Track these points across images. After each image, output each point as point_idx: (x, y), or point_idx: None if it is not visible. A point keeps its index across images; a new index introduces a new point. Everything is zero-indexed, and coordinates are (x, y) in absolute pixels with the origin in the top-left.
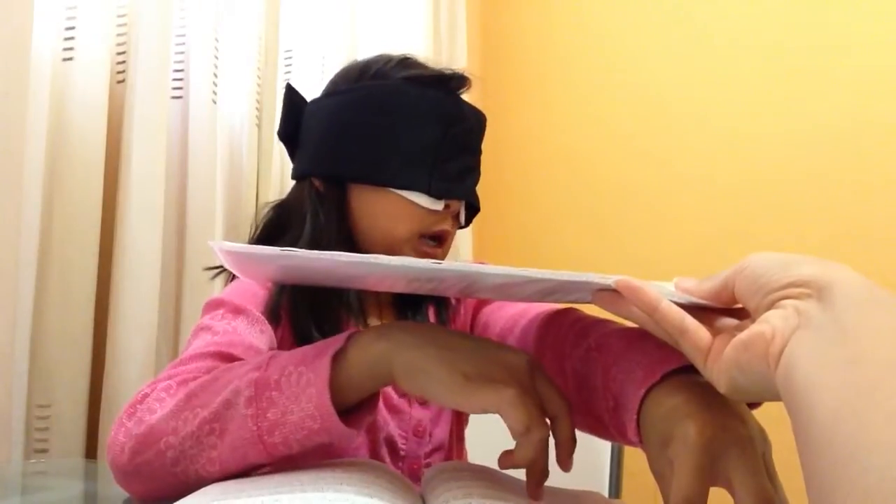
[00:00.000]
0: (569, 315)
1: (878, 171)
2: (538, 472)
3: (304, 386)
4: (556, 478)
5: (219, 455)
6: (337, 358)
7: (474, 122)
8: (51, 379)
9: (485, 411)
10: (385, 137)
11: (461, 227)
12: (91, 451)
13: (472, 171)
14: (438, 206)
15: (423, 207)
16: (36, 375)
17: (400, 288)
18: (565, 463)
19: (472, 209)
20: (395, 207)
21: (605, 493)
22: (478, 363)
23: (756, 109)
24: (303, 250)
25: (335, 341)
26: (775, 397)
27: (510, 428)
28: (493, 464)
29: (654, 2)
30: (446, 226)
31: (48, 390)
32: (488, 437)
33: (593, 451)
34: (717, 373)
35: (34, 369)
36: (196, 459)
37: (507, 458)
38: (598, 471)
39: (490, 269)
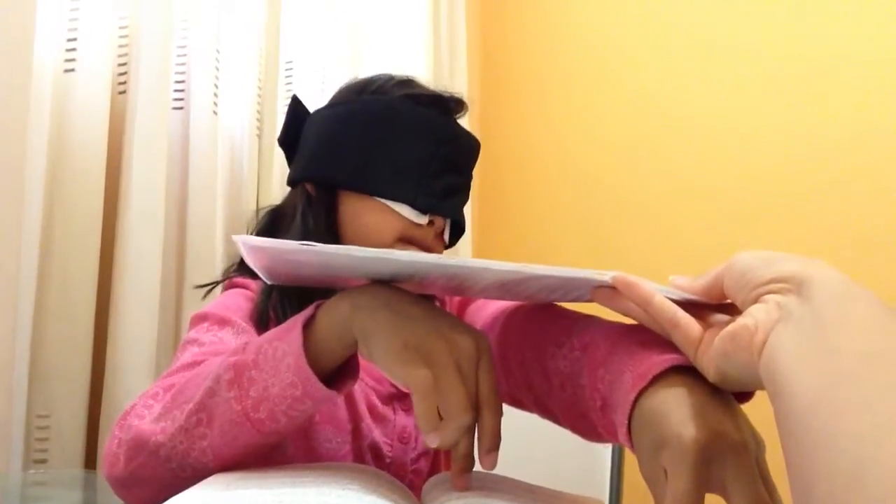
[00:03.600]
0: (550, 311)
1: (877, 177)
2: (461, 459)
3: (281, 357)
4: (557, 484)
5: (210, 443)
6: (308, 326)
7: (466, 145)
8: (50, 389)
9: (405, 386)
10: (377, 148)
11: (447, 247)
12: (90, 461)
13: (459, 191)
14: (423, 219)
15: (407, 219)
16: (36, 385)
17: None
18: (484, 457)
19: (458, 231)
20: (381, 216)
21: (606, 501)
22: (422, 335)
23: (753, 117)
24: (320, 244)
25: (305, 312)
26: (759, 386)
27: (416, 416)
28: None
29: (651, 15)
30: (429, 241)
31: (48, 400)
32: None
33: (593, 457)
34: (707, 362)
35: (34, 379)
36: (189, 452)
37: (429, 438)
38: (599, 478)
39: (495, 264)
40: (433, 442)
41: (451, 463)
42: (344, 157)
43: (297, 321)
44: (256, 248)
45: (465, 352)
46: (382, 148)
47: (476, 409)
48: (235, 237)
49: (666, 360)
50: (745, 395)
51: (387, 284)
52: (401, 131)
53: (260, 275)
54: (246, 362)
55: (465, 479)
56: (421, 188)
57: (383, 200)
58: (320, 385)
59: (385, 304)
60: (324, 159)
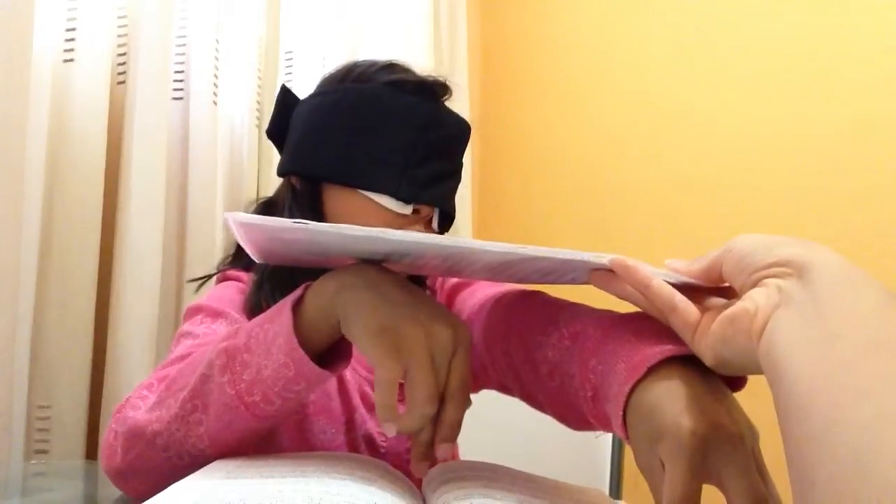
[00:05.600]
0: (535, 298)
1: (875, 172)
2: (420, 445)
3: (272, 339)
4: (558, 475)
5: (206, 429)
6: (297, 307)
7: (454, 130)
8: (51, 379)
9: (373, 368)
10: (358, 139)
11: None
12: (91, 451)
13: (447, 178)
14: (406, 210)
15: (390, 210)
16: (36, 376)
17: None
18: (439, 446)
19: (446, 217)
20: (364, 209)
21: (606, 491)
22: (401, 319)
23: (753, 112)
24: (313, 223)
25: (294, 293)
26: (757, 370)
27: (376, 405)
28: (486, 460)
29: (651, 9)
30: (417, 231)
31: (48, 391)
32: (486, 436)
33: (593, 448)
34: (704, 346)
35: (35, 370)
36: (185, 440)
37: (385, 427)
38: (599, 468)
39: (490, 245)
40: (390, 431)
41: (412, 448)
42: (326, 149)
43: (286, 303)
44: (248, 226)
45: (441, 342)
46: (364, 138)
47: (441, 401)
48: (227, 214)
49: (660, 351)
50: (737, 385)
51: (376, 266)
52: (383, 119)
53: (249, 253)
54: (237, 346)
55: (424, 466)
56: (404, 177)
57: (365, 192)
58: (312, 365)
59: (370, 285)
60: (306, 151)
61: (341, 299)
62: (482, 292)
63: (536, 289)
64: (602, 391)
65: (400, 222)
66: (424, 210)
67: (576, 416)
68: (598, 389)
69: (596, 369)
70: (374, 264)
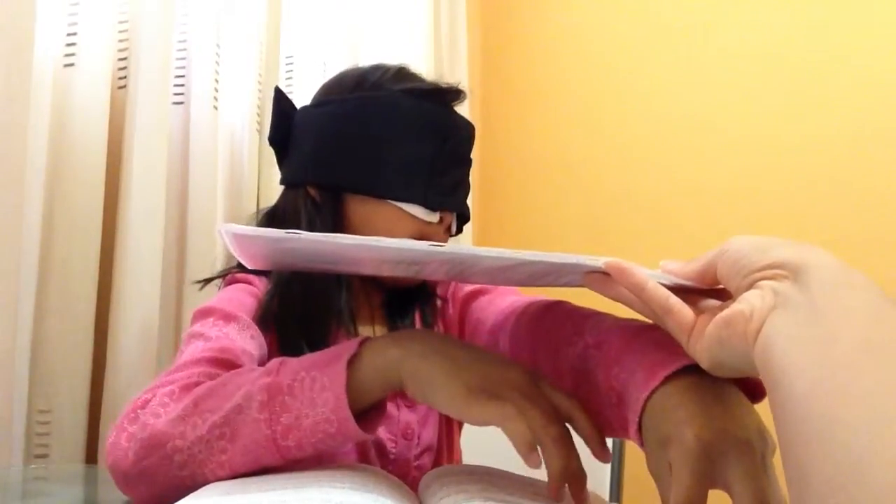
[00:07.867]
0: (560, 308)
1: (876, 176)
2: (573, 476)
3: (319, 391)
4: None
5: (229, 459)
6: (351, 363)
7: (466, 134)
8: (51, 384)
9: (486, 424)
10: (383, 148)
11: (452, 236)
12: (91, 456)
13: (463, 183)
14: (434, 217)
15: (418, 219)
16: (36, 380)
17: (387, 271)
18: (600, 454)
19: (462, 219)
20: (392, 218)
21: (606, 497)
22: (481, 376)
23: (753, 116)
24: (307, 233)
25: (348, 347)
26: (753, 372)
27: (513, 441)
28: (486, 464)
29: (651, 13)
30: (438, 237)
31: (49, 395)
32: (486, 440)
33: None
34: (700, 349)
35: (35, 374)
36: (205, 463)
37: (552, 487)
38: (599, 473)
39: (485, 251)
40: (534, 463)
41: (569, 484)
42: (349, 159)
43: (340, 356)
44: (242, 237)
45: (522, 382)
46: (389, 148)
47: (562, 420)
48: (220, 227)
49: (677, 360)
50: (757, 395)
51: (430, 330)
52: (405, 129)
53: (243, 262)
54: (280, 386)
55: (562, 491)
56: (430, 186)
57: (395, 203)
58: (356, 426)
59: (436, 350)
60: (328, 161)
61: (409, 367)
62: (503, 300)
63: (556, 297)
64: (624, 397)
65: (427, 230)
66: (447, 217)
67: (602, 423)
68: (620, 396)
69: (619, 377)
70: (428, 329)
